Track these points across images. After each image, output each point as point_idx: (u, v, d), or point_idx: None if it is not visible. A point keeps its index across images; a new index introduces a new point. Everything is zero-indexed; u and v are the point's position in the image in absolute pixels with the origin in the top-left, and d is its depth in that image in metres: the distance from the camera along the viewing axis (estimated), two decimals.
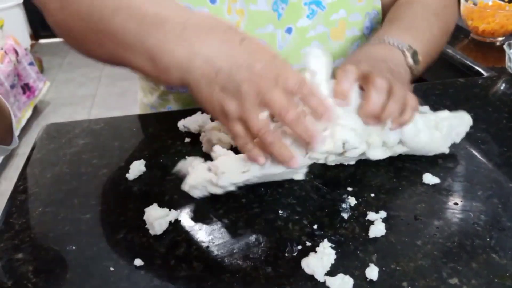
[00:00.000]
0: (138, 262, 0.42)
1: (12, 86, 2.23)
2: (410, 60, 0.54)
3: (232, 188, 0.46)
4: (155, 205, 0.46)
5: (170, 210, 0.46)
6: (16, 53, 2.33)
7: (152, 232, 0.45)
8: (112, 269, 0.41)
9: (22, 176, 0.54)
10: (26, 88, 2.41)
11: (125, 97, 2.66)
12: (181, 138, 0.60)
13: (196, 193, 0.48)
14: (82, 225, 0.47)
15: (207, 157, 0.52)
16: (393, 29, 0.58)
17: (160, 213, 0.45)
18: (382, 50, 0.54)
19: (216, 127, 0.56)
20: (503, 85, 0.73)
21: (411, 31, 0.58)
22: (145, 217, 0.45)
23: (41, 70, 2.83)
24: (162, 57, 0.40)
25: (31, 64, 2.48)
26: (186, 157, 0.50)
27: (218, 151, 0.48)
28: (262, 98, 0.40)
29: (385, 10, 0.68)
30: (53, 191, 0.52)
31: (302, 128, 0.42)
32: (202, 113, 0.61)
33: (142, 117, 0.66)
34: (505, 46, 0.75)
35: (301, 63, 0.65)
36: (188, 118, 0.60)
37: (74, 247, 0.44)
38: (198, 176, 0.46)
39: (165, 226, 0.45)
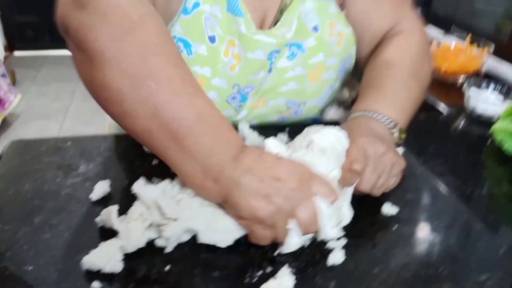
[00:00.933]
0: (96, 285, 0.41)
1: None
2: (396, 137, 0.58)
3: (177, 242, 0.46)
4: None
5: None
6: None
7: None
8: None
9: None
10: None
11: (98, 113, 2.58)
12: (149, 160, 0.60)
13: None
14: (41, 245, 0.46)
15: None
16: (378, 102, 0.60)
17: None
18: (376, 127, 0.57)
19: None
20: (462, 122, 0.77)
21: (395, 104, 0.60)
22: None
23: (14, 82, 2.78)
24: (217, 172, 0.44)
25: (3, 75, 2.43)
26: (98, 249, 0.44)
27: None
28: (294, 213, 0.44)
29: (362, 61, 0.72)
30: (14, 209, 0.51)
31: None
32: None
33: (110, 138, 0.66)
34: (464, 87, 0.79)
35: (277, 100, 0.68)
36: None
37: (31, 267, 0.43)
38: (134, 239, 0.45)
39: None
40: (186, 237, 0.47)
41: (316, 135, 0.51)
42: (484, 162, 0.66)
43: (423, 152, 0.66)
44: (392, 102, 0.60)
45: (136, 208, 0.47)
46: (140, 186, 0.48)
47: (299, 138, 0.53)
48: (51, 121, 2.58)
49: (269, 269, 0.44)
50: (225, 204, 0.46)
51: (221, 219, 0.46)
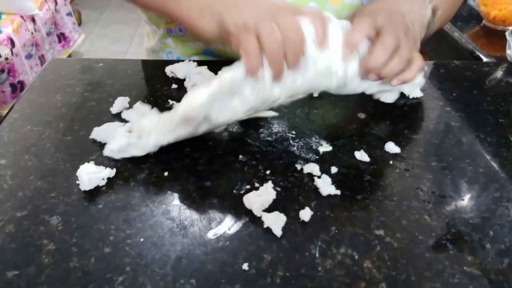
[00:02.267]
0: (102, 182, 0.47)
1: (48, 34, 2.33)
2: (429, 13, 0.54)
3: (155, 149, 0.50)
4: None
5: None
6: (56, 2, 2.42)
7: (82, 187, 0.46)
8: (77, 182, 0.46)
9: (20, 99, 0.60)
10: (62, 38, 2.51)
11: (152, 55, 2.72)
12: (169, 83, 0.64)
13: (120, 155, 0.50)
14: (62, 144, 0.52)
15: None
16: None
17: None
18: (403, 2, 0.54)
19: (200, 72, 0.60)
20: (498, 72, 0.73)
21: None
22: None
23: (79, 22, 2.93)
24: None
25: (69, 14, 2.57)
26: (107, 124, 0.54)
27: (140, 108, 0.54)
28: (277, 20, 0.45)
29: None
30: (43, 114, 0.57)
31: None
32: (189, 61, 0.65)
33: (138, 62, 0.70)
34: (507, 34, 0.74)
35: None
36: (176, 64, 0.64)
37: (50, 161, 0.49)
38: (118, 140, 0.49)
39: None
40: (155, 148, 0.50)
41: None
42: (508, 112, 0.63)
43: (444, 97, 0.64)
44: None
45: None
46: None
47: None
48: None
49: (257, 185, 0.47)
50: (220, 30, 0.49)
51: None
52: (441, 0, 0.58)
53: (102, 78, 0.65)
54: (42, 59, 2.24)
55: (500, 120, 0.59)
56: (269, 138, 0.54)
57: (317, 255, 0.40)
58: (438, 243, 0.41)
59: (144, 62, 0.71)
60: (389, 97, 0.61)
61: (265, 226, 0.42)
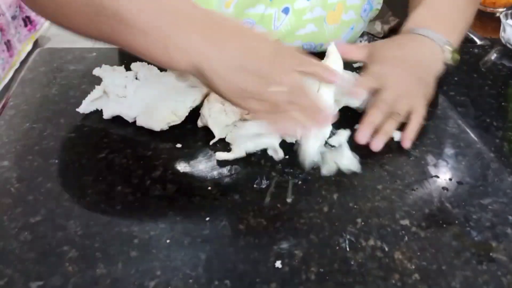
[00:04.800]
0: (116, 179, 0.45)
1: (14, 18, 2.20)
2: (448, 57, 0.55)
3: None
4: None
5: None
6: None
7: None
8: (90, 182, 0.44)
9: (13, 94, 0.56)
10: (28, 21, 2.38)
11: None
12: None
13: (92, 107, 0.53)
14: (67, 142, 0.49)
15: None
16: (429, 19, 0.57)
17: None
18: (417, 47, 0.54)
19: None
20: (494, 54, 0.74)
21: (447, 23, 0.57)
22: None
23: None
24: (176, 44, 0.39)
25: None
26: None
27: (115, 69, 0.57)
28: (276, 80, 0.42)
29: None
30: (41, 110, 0.54)
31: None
32: None
33: None
34: (501, 16, 0.75)
35: (293, 43, 0.66)
36: None
37: (56, 161, 0.47)
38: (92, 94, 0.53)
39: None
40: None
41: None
42: (509, 96, 0.64)
43: (447, 81, 0.64)
44: (444, 20, 0.57)
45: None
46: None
47: None
48: (79, 46, 2.60)
49: (277, 179, 0.46)
50: (199, 77, 0.42)
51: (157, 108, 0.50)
52: (458, 32, 0.58)
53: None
54: (8, 44, 2.12)
55: (503, 103, 0.60)
56: None
57: (347, 249, 0.39)
58: (462, 230, 0.42)
59: None
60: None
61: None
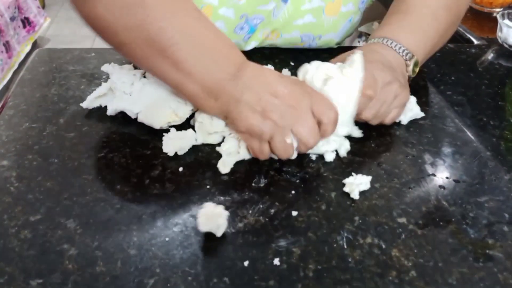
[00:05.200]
0: (115, 178, 0.45)
1: (12, 19, 2.21)
2: (410, 70, 0.56)
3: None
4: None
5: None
6: None
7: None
8: (90, 181, 0.44)
9: (12, 94, 0.57)
10: (27, 22, 2.38)
11: None
12: None
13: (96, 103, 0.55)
14: (66, 141, 0.50)
15: None
16: (399, 30, 0.57)
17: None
18: (390, 56, 0.55)
19: None
20: (491, 54, 0.74)
21: (417, 34, 0.57)
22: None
23: (43, 5, 2.79)
24: (217, 90, 0.45)
25: None
26: None
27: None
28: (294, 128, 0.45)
29: None
30: (41, 110, 0.54)
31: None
32: None
33: None
34: (498, 16, 0.76)
35: (291, 34, 0.66)
36: None
37: (56, 160, 0.47)
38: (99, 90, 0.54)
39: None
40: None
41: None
42: (506, 95, 0.64)
43: (444, 81, 0.65)
44: (415, 31, 0.57)
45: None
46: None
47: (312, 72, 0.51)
48: (79, 46, 2.60)
49: (275, 178, 0.47)
50: (226, 120, 0.48)
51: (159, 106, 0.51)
52: (429, 46, 0.58)
53: (96, 69, 0.62)
54: (7, 45, 2.12)
55: (499, 103, 0.61)
56: None
57: (345, 246, 0.40)
58: (458, 228, 0.42)
59: None
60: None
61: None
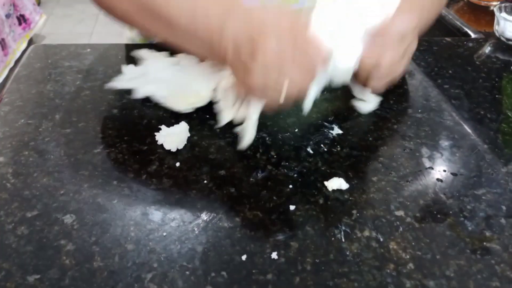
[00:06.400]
0: (112, 173, 0.45)
1: (8, 16, 2.19)
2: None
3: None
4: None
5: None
6: None
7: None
8: (86, 177, 0.44)
9: (8, 90, 0.56)
10: (22, 20, 2.37)
11: (122, 37, 2.62)
12: None
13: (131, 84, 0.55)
14: (62, 137, 0.49)
15: None
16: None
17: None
18: None
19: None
20: (488, 47, 0.74)
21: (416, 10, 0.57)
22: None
23: (38, 2, 2.77)
24: (220, 39, 0.45)
25: None
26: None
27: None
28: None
29: None
30: (37, 106, 0.54)
31: None
32: None
33: (128, 46, 0.67)
34: (495, 9, 0.75)
35: None
36: None
37: (52, 156, 0.47)
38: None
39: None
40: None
41: None
42: (503, 88, 0.64)
43: (441, 75, 0.65)
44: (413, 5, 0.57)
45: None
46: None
47: None
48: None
49: (273, 172, 0.46)
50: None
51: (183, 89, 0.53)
52: (426, 20, 0.59)
53: (92, 65, 0.62)
54: (2, 43, 2.11)
55: (497, 96, 0.61)
56: (272, 127, 0.53)
57: (343, 240, 0.40)
58: (456, 220, 0.42)
59: (136, 47, 0.67)
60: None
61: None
